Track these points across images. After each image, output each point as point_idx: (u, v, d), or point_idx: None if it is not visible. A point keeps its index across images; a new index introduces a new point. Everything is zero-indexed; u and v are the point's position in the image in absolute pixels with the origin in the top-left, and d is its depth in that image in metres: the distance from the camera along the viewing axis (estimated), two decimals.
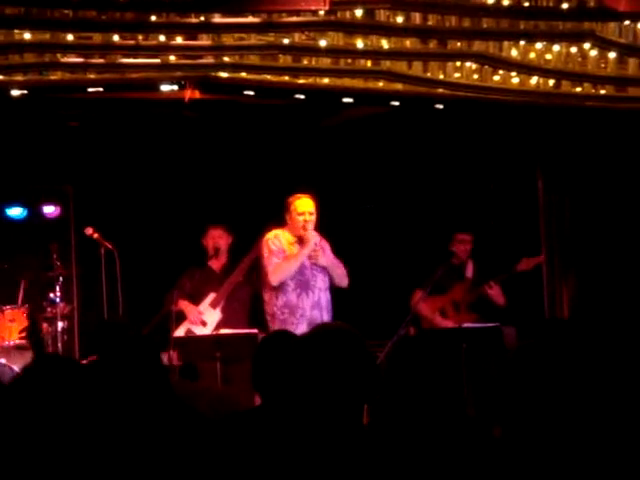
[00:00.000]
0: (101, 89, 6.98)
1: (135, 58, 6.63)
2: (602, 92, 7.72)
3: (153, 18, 6.06)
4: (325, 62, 6.87)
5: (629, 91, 7.73)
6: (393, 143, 9.52)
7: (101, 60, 6.65)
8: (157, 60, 6.69)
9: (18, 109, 7.53)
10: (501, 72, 7.30)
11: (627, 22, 6.62)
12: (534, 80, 7.42)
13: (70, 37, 6.24)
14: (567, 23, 6.53)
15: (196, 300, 7.96)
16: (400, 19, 6.31)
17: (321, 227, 7.49)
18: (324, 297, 7.33)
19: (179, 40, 6.42)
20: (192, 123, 8.70)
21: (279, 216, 7.47)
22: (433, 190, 9.93)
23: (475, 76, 7.28)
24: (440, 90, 7.48)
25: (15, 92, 6.88)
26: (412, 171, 9.84)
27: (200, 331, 7.82)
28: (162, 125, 8.86)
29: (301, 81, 7.28)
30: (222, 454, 3.01)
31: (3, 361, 7.80)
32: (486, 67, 7.15)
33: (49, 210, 9.48)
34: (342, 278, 7.43)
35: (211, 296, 7.94)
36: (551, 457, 2.62)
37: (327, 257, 7.41)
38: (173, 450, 3.14)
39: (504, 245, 9.29)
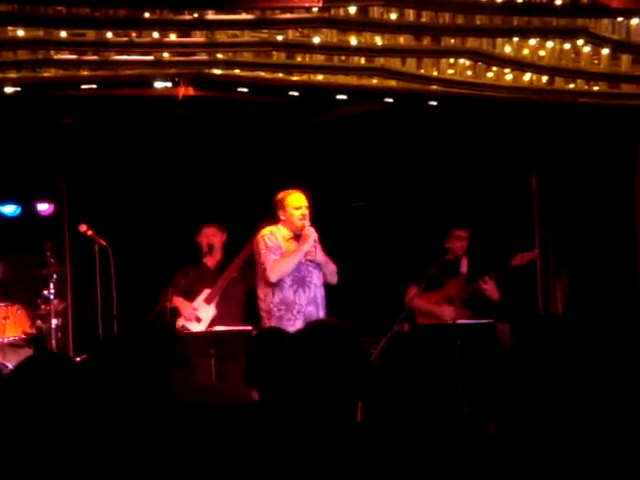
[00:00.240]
0: (94, 86, 6.96)
1: (129, 55, 6.62)
2: (595, 88, 7.72)
3: (147, 15, 6.05)
4: (319, 59, 6.87)
5: (622, 87, 7.74)
6: (387, 140, 9.52)
7: (94, 57, 6.64)
8: (151, 57, 6.68)
9: (11, 106, 7.52)
10: (495, 69, 7.29)
11: (620, 18, 6.62)
12: (527, 76, 7.42)
13: (63, 34, 6.23)
14: (560, 19, 6.53)
15: (190, 297, 7.97)
16: (394, 16, 6.31)
17: (315, 224, 7.49)
18: (319, 293, 7.35)
19: (173, 37, 6.41)
20: (186, 120, 8.69)
21: (272, 213, 7.48)
22: (427, 187, 9.94)
23: (469, 73, 7.28)
24: (434, 87, 7.48)
25: (8, 89, 6.87)
26: (406, 168, 9.84)
27: (194, 327, 7.83)
28: (156, 122, 8.85)
29: (295, 78, 7.28)
30: (215, 450, 3.01)
31: None
32: (479, 64, 7.14)
33: (43, 207, 9.48)
34: (333, 275, 7.46)
35: (205, 292, 7.94)
36: (546, 453, 2.62)
37: (320, 254, 7.44)
38: (166, 446, 3.14)
39: (498, 241, 9.30)
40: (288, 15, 6.14)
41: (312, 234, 7.28)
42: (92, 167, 9.28)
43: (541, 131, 9.26)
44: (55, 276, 8.39)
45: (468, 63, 7.17)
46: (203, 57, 6.76)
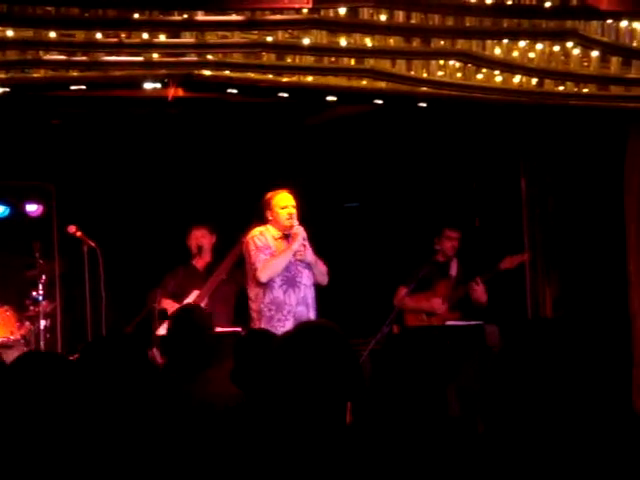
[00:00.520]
0: (84, 87, 6.95)
1: (118, 56, 6.60)
2: (585, 91, 7.73)
3: (136, 16, 6.04)
4: (309, 60, 6.86)
5: (612, 90, 7.75)
6: (377, 141, 9.52)
7: (84, 58, 6.61)
8: (140, 58, 6.66)
9: (0, 107, 7.50)
10: (484, 70, 7.30)
11: (609, 21, 6.63)
12: (517, 79, 7.43)
13: (52, 34, 6.21)
14: (550, 22, 6.54)
15: (179, 298, 7.96)
16: (383, 17, 6.31)
17: (306, 225, 7.50)
18: (310, 293, 7.36)
19: (162, 38, 6.40)
20: (175, 121, 8.68)
21: (261, 214, 7.48)
22: (416, 188, 9.94)
23: (458, 74, 7.28)
24: (424, 88, 7.49)
25: None
26: (395, 169, 9.85)
27: None
28: (145, 123, 8.84)
29: (285, 79, 7.27)
30: (203, 452, 3.01)
31: None
32: (469, 65, 7.15)
33: (32, 208, 9.45)
34: (323, 275, 7.47)
35: (194, 294, 7.94)
36: (534, 454, 2.62)
37: (310, 254, 7.45)
38: (156, 447, 3.13)
39: (488, 243, 9.31)
40: (278, 16, 6.13)
41: (301, 233, 7.30)
42: (81, 168, 9.25)
43: (530, 133, 9.28)
44: (44, 277, 8.38)
45: (458, 65, 7.18)
46: (193, 58, 6.75)
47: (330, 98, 7.56)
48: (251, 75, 7.12)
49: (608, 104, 8.00)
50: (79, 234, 8.04)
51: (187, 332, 4.71)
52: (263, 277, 7.25)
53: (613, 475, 2.61)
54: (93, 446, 2.97)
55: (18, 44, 6.33)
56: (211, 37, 6.42)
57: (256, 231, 7.41)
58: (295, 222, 7.30)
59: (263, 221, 7.45)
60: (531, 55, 7.01)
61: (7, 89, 6.87)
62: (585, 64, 7.20)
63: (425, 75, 7.16)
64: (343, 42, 6.62)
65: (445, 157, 9.80)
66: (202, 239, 8.20)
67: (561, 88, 7.67)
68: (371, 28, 6.42)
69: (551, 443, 2.62)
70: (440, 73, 7.21)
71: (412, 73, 7.13)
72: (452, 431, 2.97)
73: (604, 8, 6.31)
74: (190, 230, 8.26)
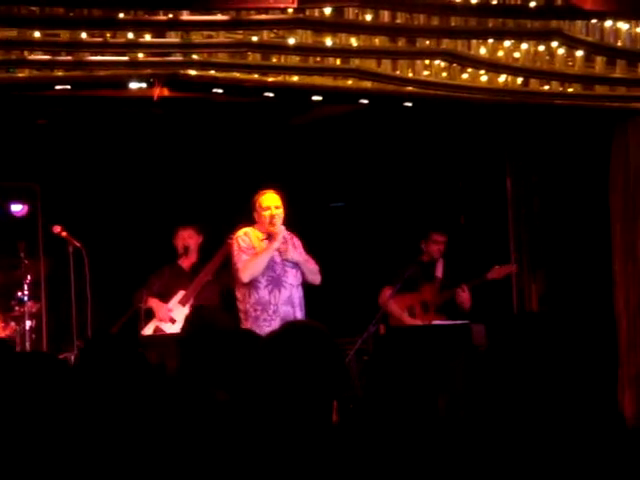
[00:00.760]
0: (69, 87, 6.93)
1: (103, 55, 6.59)
2: (570, 90, 7.75)
3: (121, 15, 6.02)
4: (294, 60, 6.86)
5: (596, 89, 7.78)
6: (363, 141, 9.53)
7: (69, 58, 6.60)
8: (125, 58, 6.65)
9: None
10: (470, 70, 7.31)
11: (594, 20, 6.65)
12: (502, 78, 7.44)
13: (37, 34, 6.19)
14: (535, 21, 6.55)
15: (165, 298, 7.96)
16: (369, 17, 6.31)
17: (291, 225, 7.50)
18: (296, 293, 7.35)
19: (147, 38, 6.39)
20: (161, 121, 8.67)
21: (249, 215, 7.48)
22: (402, 188, 9.95)
23: (444, 74, 7.29)
24: (409, 88, 7.49)
25: None
26: (381, 169, 9.85)
27: (169, 329, 7.82)
28: (131, 123, 8.82)
29: (270, 79, 7.27)
30: (190, 451, 3.01)
31: None
32: (455, 65, 7.16)
33: (17, 208, 9.42)
34: (314, 274, 7.45)
35: (180, 294, 7.94)
36: (520, 452, 2.63)
37: (299, 253, 7.43)
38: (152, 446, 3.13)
39: (473, 244, 9.32)
40: (263, 16, 6.12)
41: (281, 232, 7.28)
42: (66, 168, 9.23)
43: (516, 132, 9.29)
44: (29, 277, 8.35)
45: (443, 64, 7.19)
46: (178, 58, 6.74)
47: (316, 98, 7.56)
48: (236, 75, 7.11)
49: (593, 104, 8.03)
50: (64, 234, 8.02)
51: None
52: (244, 277, 7.25)
53: (600, 473, 2.62)
54: (86, 447, 2.97)
55: (2, 44, 6.31)
56: (196, 37, 6.41)
57: (241, 232, 7.41)
58: (276, 222, 7.27)
59: (252, 221, 7.45)
60: (516, 55, 7.02)
61: None
62: (570, 64, 7.22)
63: (411, 75, 7.17)
64: (328, 42, 6.62)
65: (431, 157, 9.81)
66: (189, 239, 8.19)
67: (546, 88, 7.69)
68: (356, 28, 6.42)
69: (537, 442, 2.63)
70: (426, 73, 7.22)
71: (398, 73, 7.14)
72: (438, 430, 2.98)
73: (588, 8, 6.33)
74: (177, 230, 8.25)
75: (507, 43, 6.91)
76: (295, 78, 7.32)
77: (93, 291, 7.88)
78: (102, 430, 3.11)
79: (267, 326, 6.98)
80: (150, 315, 7.97)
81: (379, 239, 9.71)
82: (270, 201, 7.34)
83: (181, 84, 7.11)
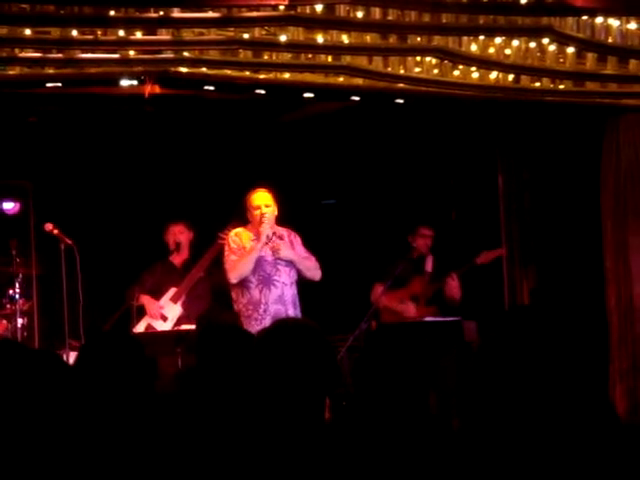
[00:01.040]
0: (60, 84, 6.92)
1: (94, 53, 6.58)
2: (561, 87, 7.77)
3: (112, 13, 6.02)
4: (285, 57, 6.86)
5: (587, 86, 7.79)
6: (354, 138, 9.52)
7: (60, 55, 6.59)
8: (116, 55, 6.65)
9: None
10: (461, 67, 7.32)
11: (585, 17, 6.66)
12: (494, 75, 7.45)
13: (28, 32, 6.18)
14: (526, 18, 6.56)
15: (157, 295, 7.95)
16: (360, 14, 6.30)
17: (283, 222, 7.49)
18: (288, 292, 7.32)
19: (138, 35, 6.38)
20: (152, 118, 8.65)
21: (241, 211, 7.48)
22: (394, 185, 9.95)
23: (435, 71, 7.30)
24: (400, 85, 7.50)
25: None
26: (373, 166, 9.86)
27: (160, 326, 7.81)
28: (122, 120, 8.81)
29: (262, 76, 7.27)
30: (182, 450, 3.01)
31: None
32: (446, 62, 7.17)
33: (8, 206, 9.38)
34: (313, 271, 7.41)
35: (172, 291, 7.93)
36: (511, 450, 2.63)
37: (296, 250, 7.40)
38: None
39: (464, 240, 9.33)
40: (254, 13, 6.12)
41: (264, 231, 7.25)
42: (58, 166, 9.21)
43: (507, 129, 9.30)
44: (20, 275, 8.32)
45: (434, 61, 7.19)
46: (169, 55, 6.74)
47: (307, 95, 7.57)
48: (228, 72, 7.11)
49: (584, 100, 8.04)
50: (56, 232, 8.00)
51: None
52: (232, 278, 7.25)
53: (593, 469, 2.62)
54: (83, 447, 2.97)
55: None
56: (187, 34, 6.41)
57: (233, 232, 7.41)
58: (265, 221, 7.25)
59: (246, 221, 7.45)
60: (507, 51, 7.03)
61: None
62: (561, 60, 7.23)
63: (402, 72, 7.18)
64: (320, 39, 6.62)
65: (422, 154, 9.81)
66: (180, 235, 8.18)
67: (537, 84, 7.71)
68: (348, 25, 6.43)
69: (530, 439, 2.63)
70: (417, 70, 7.23)
71: (389, 70, 7.15)
72: (429, 427, 2.98)
73: (579, 5, 6.34)
74: (167, 226, 8.24)
75: (498, 40, 6.92)
76: (286, 75, 7.32)
77: (85, 289, 7.86)
78: (101, 429, 3.11)
79: (258, 325, 6.97)
80: (142, 312, 7.96)
81: (371, 236, 9.71)
82: (260, 200, 7.32)
83: (172, 81, 7.11)
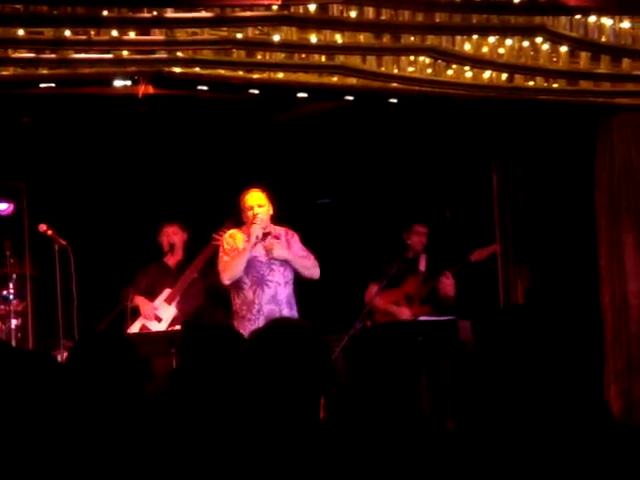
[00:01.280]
0: (53, 85, 6.91)
1: (87, 53, 6.57)
2: (554, 86, 7.77)
3: (105, 13, 6.01)
4: (279, 57, 6.86)
5: (581, 84, 7.80)
6: (349, 137, 9.52)
7: (53, 55, 6.58)
8: (110, 55, 6.64)
9: None
10: (454, 66, 7.32)
11: (578, 16, 6.66)
12: (487, 74, 7.45)
13: (21, 32, 6.18)
14: (519, 17, 6.56)
15: (151, 296, 7.95)
16: (353, 14, 6.30)
17: (278, 222, 7.49)
18: (283, 292, 7.31)
19: (132, 35, 6.38)
20: (146, 118, 8.65)
21: (236, 212, 7.47)
22: (388, 184, 9.95)
23: (429, 70, 7.30)
24: (394, 84, 7.50)
25: None
26: (367, 165, 9.85)
27: (155, 327, 7.81)
28: (116, 121, 8.80)
29: (255, 76, 7.26)
30: (177, 451, 3.01)
31: None
32: (439, 61, 7.17)
33: (2, 207, 9.38)
34: (311, 270, 7.41)
35: (166, 292, 7.92)
36: (506, 450, 2.63)
37: (293, 249, 7.40)
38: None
39: (458, 239, 9.33)
40: (247, 13, 6.11)
41: (254, 232, 7.24)
42: (52, 166, 9.20)
43: (501, 128, 9.31)
44: (14, 276, 8.32)
45: (428, 61, 7.19)
46: (163, 55, 6.73)
47: (301, 95, 7.56)
48: (221, 72, 7.11)
49: (578, 99, 8.05)
50: (50, 232, 7.99)
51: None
52: (224, 279, 7.26)
53: (588, 469, 2.62)
54: (79, 446, 2.96)
55: None
56: (181, 34, 6.40)
57: (228, 234, 7.41)
58: (257, 221, 7.24)
59: (241, 221, 7.45)
60: (500, 51, 7.03)
61: None
62: (554, 59, 7.24)
63: (396, 71, 7.18)
64: (313, 39, 6.61)
65: (417, 153, 9.81)
66: (174, 236, 8.18)
67: (531, 83, 7.71)
68: (341, 24, 6.42)
69: (526, 439, 2.63)
70: (411, 69, 7.23)
71: (383, 69, 7.15)
72: (423, 427, 2.98)
73: (572, 4, 6.34)
74: (161, 227, 8.23)
75: (491, 39, 6.92)
76: (280, 75, 7.32)
77: (79, 289, 7.86)
78: (93, 429, 3.11)
79: (252, 325, 6.97)
80: (136, 313, 7.95)
81: (366, 235, 9.71)
82: (253, 200, 7.32)
83: (166, 81, 7.11)
